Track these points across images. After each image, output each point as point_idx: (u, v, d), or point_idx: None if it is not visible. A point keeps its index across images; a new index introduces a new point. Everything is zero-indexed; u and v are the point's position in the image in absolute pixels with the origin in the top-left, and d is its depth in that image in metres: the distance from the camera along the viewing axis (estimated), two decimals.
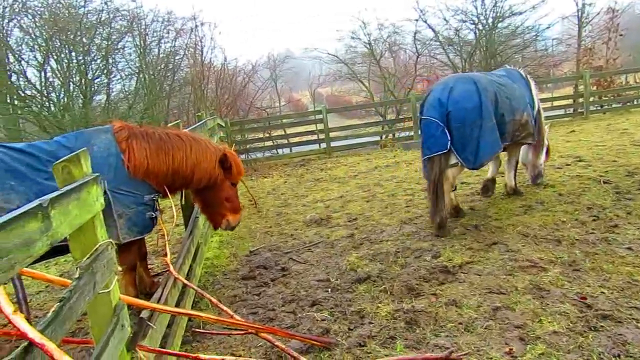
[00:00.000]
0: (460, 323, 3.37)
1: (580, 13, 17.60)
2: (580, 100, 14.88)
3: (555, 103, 15.20)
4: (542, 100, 11.52)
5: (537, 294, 3.65)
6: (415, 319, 3.47)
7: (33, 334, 1.31)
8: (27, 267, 1.73)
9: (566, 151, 9.10)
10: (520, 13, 17.51)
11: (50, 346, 1.30)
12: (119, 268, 2.24)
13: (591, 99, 14.72)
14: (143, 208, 3.81)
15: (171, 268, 3.33)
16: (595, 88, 15.81)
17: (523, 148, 6.43)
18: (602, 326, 3.11)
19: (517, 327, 3.22)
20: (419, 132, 5.83)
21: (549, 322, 3.23)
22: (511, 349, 2.97)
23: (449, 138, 5.17)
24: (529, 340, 3.05)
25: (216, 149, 4.34)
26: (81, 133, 3.92)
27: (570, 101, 16.02)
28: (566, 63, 20.44)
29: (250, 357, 3.13)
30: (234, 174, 4.41)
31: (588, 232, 4.80)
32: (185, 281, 3.40)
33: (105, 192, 3.45)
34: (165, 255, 3.49)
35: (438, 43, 19.08)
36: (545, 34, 19.30)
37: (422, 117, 5.49)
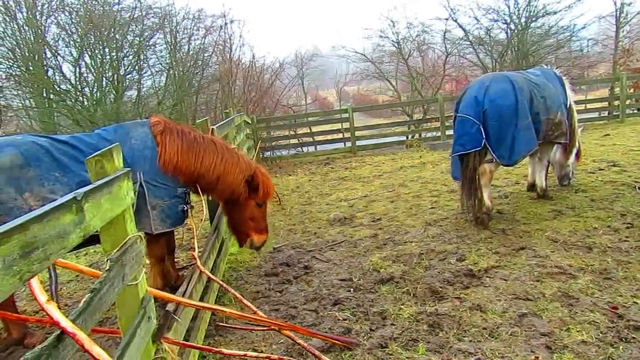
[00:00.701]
0: (484, 328, 3.31)
1: (618, 13, 17.00)
2: (616, 103, 14.40)
3: (589, 105, 14.70)
4: (576, 102, 11.10)
5: (566, 302, 3.56)
6: (438, 322, 3.43)
7: (65, 323, 1.35)
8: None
9: (600, 155, 8.81)
10: (555, 12, 17.03)
11: (81, 335, 1.34)
12: (147, 261, 2.28)
13: (627, 101, 14.23)
14: (176, 200, 3.90)
15: (198, 262, 3.39)
16: (632, 90, 15.27)
17: (549, 148, 6.38)
18: (633, 337, 3.01)
19: (544, 335, 3.14)
20: (453, 130, 5.82)
21: (578, 331, 3.15)
22: (537, 357, 2.90)
23: (484, 136, 5.25)
24: (555, 349, 2.98)
25: (247, 166, 4.26)
26: (120, 126, 4.04)
27: (605, 104, 15.51)
28: (602, 64, 19.82)
29: (271, 354, 3.16)
30: (260, 195, 4.30)
31: (621, 240, 4.64)
32: (212, 276, 3.45)
33: (140, 184, 3.58)
34: (192, 249, 3.55)
35: (468, 42, 18.76)
36: (581, 34, 18.74)
37: (458, 115, 5.57)
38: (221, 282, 3.42)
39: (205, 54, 15.86)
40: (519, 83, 5.51)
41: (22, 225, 1.21)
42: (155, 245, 4.02)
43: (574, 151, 6.54)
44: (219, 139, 4.44)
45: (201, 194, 4.13)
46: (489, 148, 5.32)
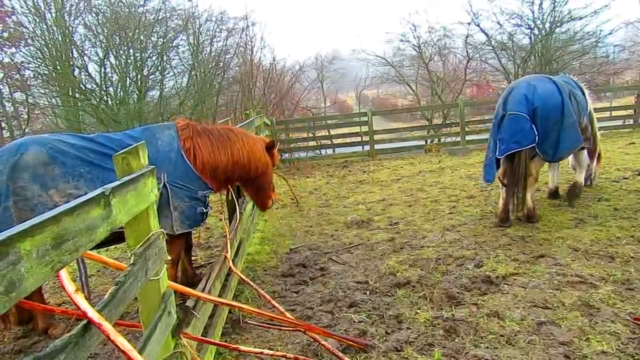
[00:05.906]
0: (501, 335, 3.28)
1: None
2: None
3: (615, 113, 14.37)
4: (601, 109, 10.97)
5: (586, 311, 3.50)
6: (454, 328, 3.41)
7: (92, 313, 1.40)
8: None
9: (624, 164, 8.61)
10: (581, 18, 16.64)
11: (107, 326, 1.39)
12: (169, 257, 2.34)
13: None
14: (195, 202, 3.99)
15: (230, 264, 3.46)
16: None
17: (581, 153, 6.53)
18: None
19: (563, 344, 3.10)
20: (497, 128, 5.69)
21: (598, 341, 3.09)
22: None
23: (536, 133, 5.39)
24: (574, 359, 2.94)
25: (260, 138, 4.76)
26: (148, 128, 4.17)
27: (630, 111, 15.15)
28: (628, 71, 19.35)
29: (287, 353, 3.18)
30: (275, 156, 4.84)
31: None
32: (245, 278, 3.49)
33: (164, 185, 3.69)
34: (227, 252, 3.62)
35: (490, 47, 18.49)
36: (607, 40, 18.28)
37: (509, 112, 5.56)
38: (255, 286, 3.43)
39: (227, 56, 16.06)
40: (561, 84, 5.67)
41: (54, 217, 1.26)
42: (171, 247, 4.10)
43: (596, 155, 6.82)
44: (234, 127, 4.78)
45: (224, 192, 4.31)
46: (535, 145, 5.46)
